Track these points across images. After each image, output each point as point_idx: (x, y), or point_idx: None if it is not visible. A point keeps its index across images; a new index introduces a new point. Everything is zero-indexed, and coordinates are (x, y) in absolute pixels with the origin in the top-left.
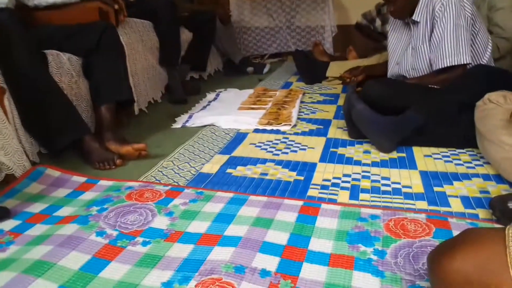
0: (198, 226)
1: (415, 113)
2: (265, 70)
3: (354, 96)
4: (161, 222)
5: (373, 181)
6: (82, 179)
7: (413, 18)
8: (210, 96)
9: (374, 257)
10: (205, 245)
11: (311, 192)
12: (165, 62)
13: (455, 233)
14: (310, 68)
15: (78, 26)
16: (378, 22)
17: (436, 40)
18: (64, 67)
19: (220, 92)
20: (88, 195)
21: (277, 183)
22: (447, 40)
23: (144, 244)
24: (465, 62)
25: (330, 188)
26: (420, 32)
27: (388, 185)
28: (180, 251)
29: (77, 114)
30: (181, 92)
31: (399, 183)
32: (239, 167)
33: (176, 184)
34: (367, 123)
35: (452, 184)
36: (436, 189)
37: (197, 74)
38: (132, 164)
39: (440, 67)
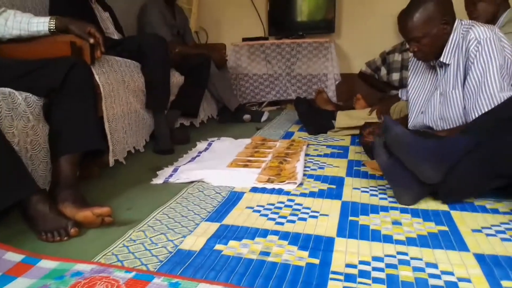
0: None
1: (462, 135)
2: (264, 118)
3: (390, 119)
4: None
5: (415, 269)
6: (18, 257)
7: (442, 60)
8: (201, 145)
9: None
10: None
11: (332, 285)
12: (151, 106)
13: None
14: (314, 117)
15: (41, 61)
16: (383, 71)
17: (474, 86)
18: (19, 109)
19: (213, 141)
20: (18, 284)
21: (284, 268)
22: (490, 84)
23: None
24: None
25: (358, 279)
26: (451, 75)
27: (438, 276)
28: None
29: (21, 168)
30: (168, 141)
31: (451, 273)
32: (231, 242)
33: (143, 268)
34: (407, 147)
35: None
36: (505, 284)
37: (188, 121)
38: (92, 234)
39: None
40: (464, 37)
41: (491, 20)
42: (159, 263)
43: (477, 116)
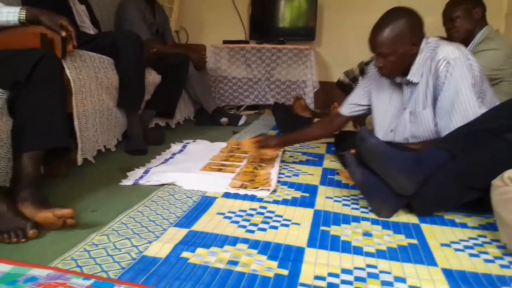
0: None
1: (438, 148)
2: (241, 122)
3: (365, 129)
4: None
5: (383, 283)
6: None
7: (408, 78)
8: (176, 147)
9: None
10: None
11: None
12: (124, 105)
13: None
14: (291, 123)
15: (8, 52)
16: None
17: (447, 105)
18: None
19: (188, 143)
20: None
21: (251, 279)
22: (464, 104)
23: None
24: None
25: None
26: (420, 95)
27: None
28: None
29: None
30: (141, 141)
31: None
32: (199, 250)
33: (104, 275)
34: (382, 158)
35: None
36: None
37: (163, 121)
38: (52, 236)
39: None
40: (432, 57)
41: (468, 37)
42: (121, 270)
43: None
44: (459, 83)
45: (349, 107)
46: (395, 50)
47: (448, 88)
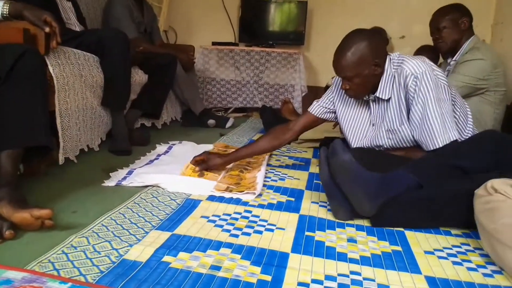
0: None
1: (408, 172)
2: (228, 124)
3: (340, 144)
4: None
5: None
6: None
7: (377, 95)
8: (161, 148)
9: None
10: None
11: None
12: (109, 103)
13: None
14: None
15: None
16: None
17: (417, 119)
18: None
19: (174, 144)
20: None
21: (234, 285)
22: (432, 118)
23: None
24: (454, 138)
25: None
26: (394, 111)
27: None
28: None
29: None
30: (125, 141)
31: None
32: (181, 254)
33: (81, 279)
34: (350, 177)
35: None
36: None
37: (149, 121)
38: (29, 237)
39: (431, 148)
40: (399, 73)
41: (455, 47)
42: (99, 274)
43: (426, 148)
44: (426, 98)
45: (319, 109)
46: (359, 73)
47: (418, 102)
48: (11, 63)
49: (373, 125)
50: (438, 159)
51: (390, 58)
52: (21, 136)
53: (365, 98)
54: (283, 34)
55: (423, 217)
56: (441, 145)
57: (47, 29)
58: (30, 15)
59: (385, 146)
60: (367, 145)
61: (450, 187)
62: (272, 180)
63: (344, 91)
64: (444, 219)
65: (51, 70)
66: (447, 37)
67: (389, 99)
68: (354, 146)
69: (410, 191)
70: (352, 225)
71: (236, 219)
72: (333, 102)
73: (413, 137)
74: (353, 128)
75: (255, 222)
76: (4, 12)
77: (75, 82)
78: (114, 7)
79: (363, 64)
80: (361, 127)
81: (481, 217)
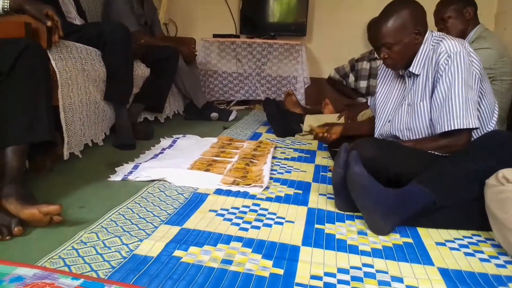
0: None
1: (425, 187)
2: (231, 117)
3: (354, 155)
4: None
5: (380, 282)
6: None
7: (411, 69)
8: (165, 142)
9: None
10: None
11: None
12: (112, 98)
13: None
14: (282, 119)
15: None
16: (351, 78)
17: (441, 98)
18: None
19: (178, 138)
20: None
21: (246, 279)
22: (455, 99)
23: None
24: (474, 126)
25: None
26: (419, 87)
27: None
28: None
29: None
30: (129, 135)
31: None
32: (192, 248)
33: (93, 274)
34: (362, 191)
35: None
36: None
37: (152, 115)
38: (38, 234)
39: (447, 129)
40: (435, 49)
41: (460, 36)
42: (111, 270)
43: (440, 129)
44: (455, 78)
45: (374, 100)
46: (399, 40)
47: (445, 81)
48: (14, 58)
49: (405, 100)
50: (450, 167)
51: (432, 34)
52: (26, 132)
53: (400, 73)
54: (285, 25)
55: (436, 225)
56: (456, 128)
57: (48, 23)
58: (31, 9)
59: (403, 123)
60: (386, 133)
61: (463, 198)
62: (278, 172)
63: (385, 68)
64: (459, 225)
65: (53, 65)
66: (452, 27)
67: (419, 74)
68: (380, 126)
69: (425, 208)
70: (361, 217)
71: (245, 212)
72: (378, 87)
73: (429, 118)
74: (384, 102)
75: (264, 215)
76: (5, 6)
77: (77, 76)
78: (114, 0)
79: (404, 31)
80: (392, 101)
81: (493, 207)
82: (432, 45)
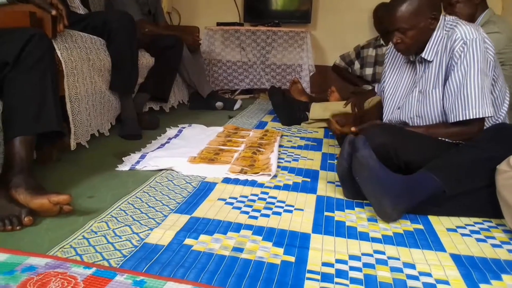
0: None
1: (434, 175)
2: (236, 106)
3: (362, 139)
4: None
5: (393, 269)
6: None
7: (423, 55)
8: (171, 132)
9: None
10: None
11: (309, 285)
12: (117, 87)
13: None
14: (288, 108)
15: None
16: (357, 65)
17: (455, 87)
18: None
19: (184, 127)
20: None
21: (258, 266)
22: (470, 87)
23: None
24: (489, 115)
25: (336, 279)
26: (432, 73)
27: (416, 277)
28: None
29: None
30: (135, 125)
31: (429, 275)
32: (202, 236)
33: (105, 263)
34: (370, 176)
35: (502, 279)
36: (483, 287)
37: (157, 105)
38: (48, 223)
39: (461, 119)
40: (449, 36)
41: (469, 21)
42: (122, 258)
43: (454, 119)
44: (470, 66)
45: (380, 87)
46: (415, 25)
47: (460, 69)
48: (19, 48)
49: (416, 87)
50: (461, 157)
51: (445, 19)
52: (33, 122)
53: (411, 59)
54: (289, 12)
55: (447, 213)
56: (471, 117)
57: (53, 12)
58: None
59: (413, 110)
60: (396, 119)
61: (473, 189)
62: (285, 161)
63: (394, 54)
64: (470, 213)
65: (59, 54)
66: (460, 12)
67: (432, 60)
68: (389, 113)
69: (435, 196)
70: (370, 205)
71: (254, 201)
72: (385, 73)
73: (442, 106)
74: (393, 89)
75: (273, 203)
76: None
77: (83, 66)
78: None
79: (420, 16)
80: (402, 88)
81: (504, 192)
82: (446, 30)
